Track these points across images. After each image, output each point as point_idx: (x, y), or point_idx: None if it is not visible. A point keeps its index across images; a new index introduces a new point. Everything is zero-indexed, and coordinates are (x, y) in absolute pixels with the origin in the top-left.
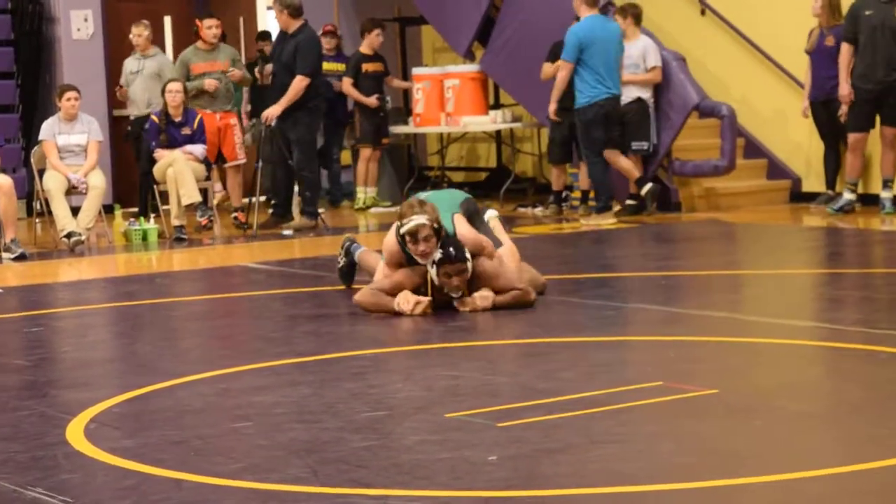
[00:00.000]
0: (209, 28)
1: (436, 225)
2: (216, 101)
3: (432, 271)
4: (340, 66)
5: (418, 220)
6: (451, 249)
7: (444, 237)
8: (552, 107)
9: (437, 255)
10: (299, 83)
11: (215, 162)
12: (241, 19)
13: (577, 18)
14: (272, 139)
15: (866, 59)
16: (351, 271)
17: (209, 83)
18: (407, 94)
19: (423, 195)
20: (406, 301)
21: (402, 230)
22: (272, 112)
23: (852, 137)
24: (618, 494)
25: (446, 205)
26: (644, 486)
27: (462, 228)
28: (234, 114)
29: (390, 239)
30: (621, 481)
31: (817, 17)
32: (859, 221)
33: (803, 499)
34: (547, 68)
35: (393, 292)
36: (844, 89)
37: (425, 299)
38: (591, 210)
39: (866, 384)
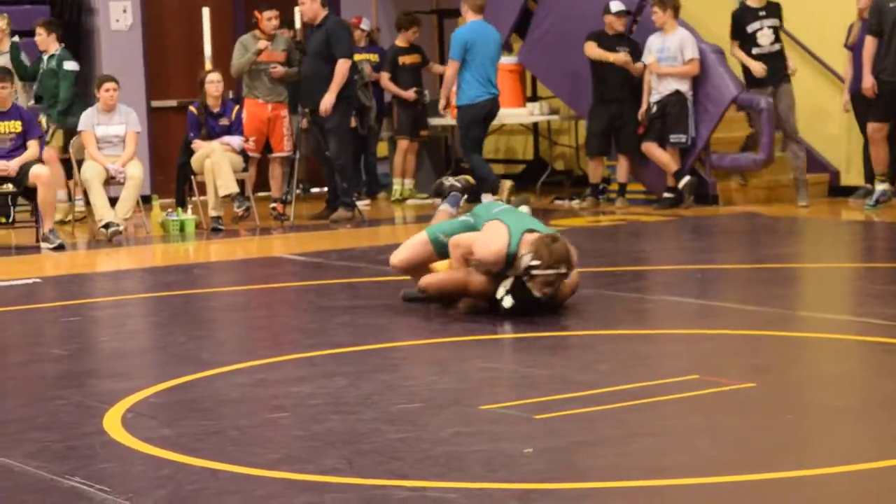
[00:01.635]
0: (269, 20)
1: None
2: (272, 92)
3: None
4: (373, 57)
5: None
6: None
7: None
8: (442, 102)
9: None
10: (342, 66)
11: (262, 152)
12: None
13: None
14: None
15: (890, 52)
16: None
17: (275, 72)
18: None
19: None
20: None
21: (538, 270)
22: (328, 101)
23: (871, 127)
24: (654, 488)
25: (529, 222)
26: (680, 480)
27: None
28: (285, 105)
29: (496, 249)
30: (658, 475)
31: (862, 10)
32: None
33: (838, 493)
34: (590, 48)
35: (466, 289)
36: (868, 82)
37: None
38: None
39: None
